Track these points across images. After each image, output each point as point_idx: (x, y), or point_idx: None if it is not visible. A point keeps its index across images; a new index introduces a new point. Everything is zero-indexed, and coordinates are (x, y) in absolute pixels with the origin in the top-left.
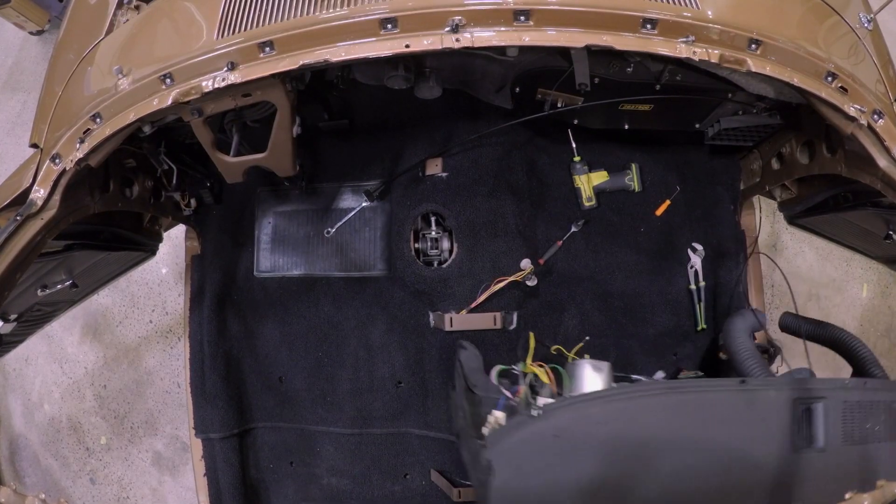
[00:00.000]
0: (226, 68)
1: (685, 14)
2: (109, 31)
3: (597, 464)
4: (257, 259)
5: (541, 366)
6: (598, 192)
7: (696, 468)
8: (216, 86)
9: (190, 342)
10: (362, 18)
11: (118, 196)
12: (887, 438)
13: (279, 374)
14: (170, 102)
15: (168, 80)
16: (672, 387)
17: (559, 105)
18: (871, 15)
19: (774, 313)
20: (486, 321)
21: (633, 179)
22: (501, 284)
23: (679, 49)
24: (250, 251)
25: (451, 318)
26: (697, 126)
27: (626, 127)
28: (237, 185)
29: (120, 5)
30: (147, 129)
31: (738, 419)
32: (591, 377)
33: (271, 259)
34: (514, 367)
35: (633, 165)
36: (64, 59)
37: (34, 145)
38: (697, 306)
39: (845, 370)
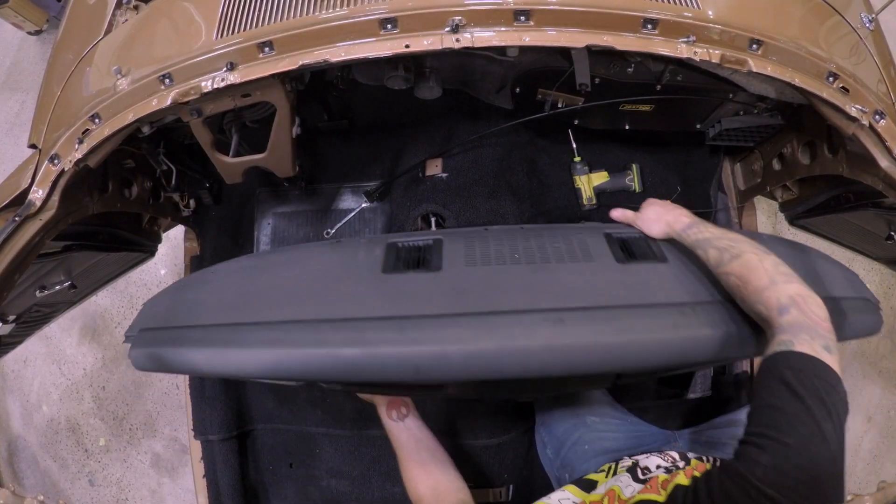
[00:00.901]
0: (225, 68)
1: (686, 14)
2: (108, 32)
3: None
4: None
5: None
6: (599, 192)
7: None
8: (215, 86)
9: None
10: (362, 18)
11: (117, 197)
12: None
13: None
14: (169, 103)
15: (167, 81)
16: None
17: (559, 105)
18: (873, 15)
19: None
20: None
21: (633, 180)
22: None
23: (680, 49)
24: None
25: None
26: (699, 126)
27: (627, 127)
28: (236, 185)
29: (119, 5)
30: (146, 130)
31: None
32: None
33: None
34: None
35: (634, 166)
36: (62, 60)
37: (32, 146)
38: None
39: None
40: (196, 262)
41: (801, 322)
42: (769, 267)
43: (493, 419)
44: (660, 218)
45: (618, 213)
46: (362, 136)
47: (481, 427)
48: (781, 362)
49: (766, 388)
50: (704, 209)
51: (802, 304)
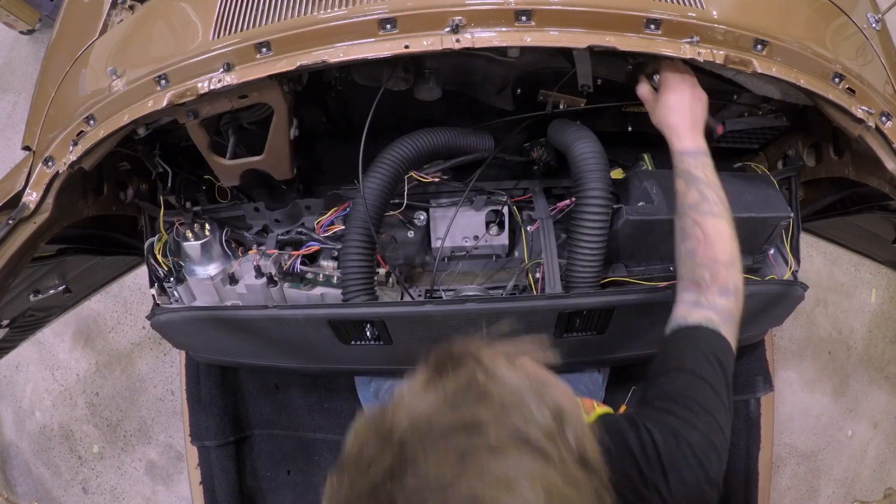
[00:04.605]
0: (222, 69)
1: (690, 14)
2: (103, 32)
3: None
4: None
5: None
6: None
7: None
8: (212, 87)
9: None
10: (361, 18)
11: (112, 199)
12: None
13: (275, 380)
14: (165, 104)
15: (163, 82)
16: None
17: (561, 107)
18: (880, 15)
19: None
20: None
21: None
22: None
23: (683, 50)
24: None
25: None
26: None
27: (630, 129)
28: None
29: (114, 5)
30: (142, 132)
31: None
32: None
33: None
34: None
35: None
36: (57, 60)
37: (26, 147)
38: None
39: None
40: None
41: (732, 313)
42: (736, 248)
43: None
44: (680, 112)
45: (644, 91)
46: (361, 137)
47: None
48: (711, 339)
49: (691, 355)
50: None
51: (739, 298)
